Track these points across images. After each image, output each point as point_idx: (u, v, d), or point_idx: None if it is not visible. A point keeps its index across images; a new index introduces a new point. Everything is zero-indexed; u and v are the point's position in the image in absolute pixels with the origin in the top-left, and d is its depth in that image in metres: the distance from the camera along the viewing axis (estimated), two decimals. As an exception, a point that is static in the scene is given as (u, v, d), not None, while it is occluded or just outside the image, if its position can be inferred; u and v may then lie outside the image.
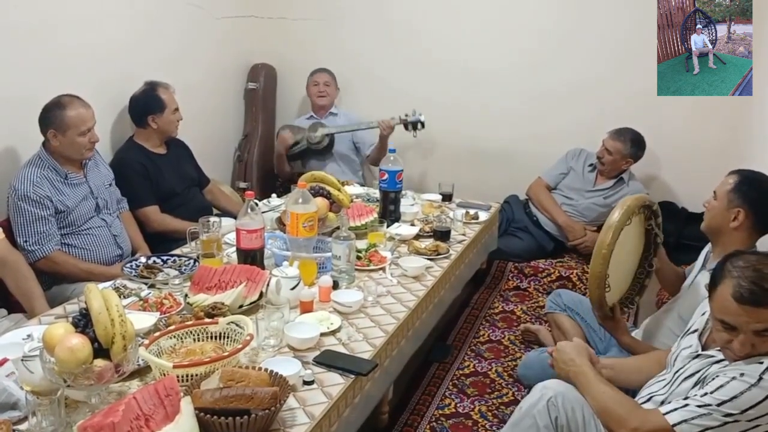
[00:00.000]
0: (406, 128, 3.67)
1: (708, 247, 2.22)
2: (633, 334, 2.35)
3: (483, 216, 3.12)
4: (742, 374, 1.50)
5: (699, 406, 1.51)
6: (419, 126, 3.63)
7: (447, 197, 3.37)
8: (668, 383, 1.71)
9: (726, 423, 1.48)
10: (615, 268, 2.11)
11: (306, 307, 2.05)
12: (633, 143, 3.44)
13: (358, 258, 2.44)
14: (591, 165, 3.62)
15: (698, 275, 2.17)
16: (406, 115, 3.63)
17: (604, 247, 2.04)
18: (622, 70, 3.65)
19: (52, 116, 2.50)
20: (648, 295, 2.54)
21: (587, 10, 3.69)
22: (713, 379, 1.54)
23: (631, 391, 1.82)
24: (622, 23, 3.61)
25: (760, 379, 1.48)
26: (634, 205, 2.10)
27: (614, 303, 2.17)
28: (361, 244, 2.56)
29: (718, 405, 1.49)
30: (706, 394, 1.52)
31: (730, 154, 3.27)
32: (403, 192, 3.05)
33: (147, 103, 3.04)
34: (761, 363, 1.50)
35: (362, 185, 3.71)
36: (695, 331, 1.75)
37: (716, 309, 1.55)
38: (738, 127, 3.42)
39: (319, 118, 3.98)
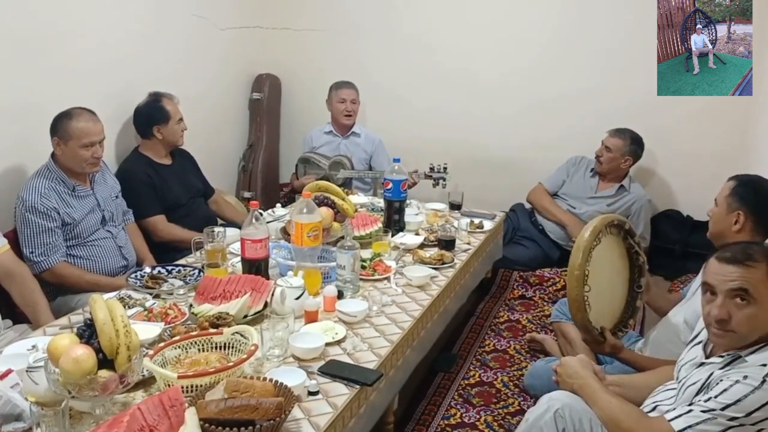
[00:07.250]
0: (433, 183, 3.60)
1: None
2: (639, 342, 2.34)
3: (488, 225, 3.11)
4: (745, 377, 1.49)
5: (703, 411, 1.51)
6: (442, 182, 3.55)
7: (456, 207, 3.32)
8: (675, 394, 1.70)
9: (730, 427, 1.48)
10: (599, 291, 2.12)
11: (311, 317, 2.04)
12: (633, 141, 3.47)
13: (363, 267, 2.44)
14: (592, 170, 3.64)
15: None
16: (431, 170, 3.55)
17: (576, 269, 2.07)
18: (624, 76, 3.66)
19: (58, 125, 2.52)
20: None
21: (587, 19, 3.70)
22: (717, 383, 1.54)
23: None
24: (622, 30, 3.62)
25: (764, 381, 1.47)
26: (600, 224, 2.13)
27: (602, 326, 2.15)
28: (366, 253, 2.56)
29: (722, 409, 1.48)
30: (710, 399, 1.52)
31: (734, 161, 3.25)
32: (408, 201, 3.05)
33: (152, 114, 3.05)
34: (765, 365, 1.50)
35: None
36: (700, 342, 1.74)
37: (703, 275, 1.65)
38: (742, 135, 3.41)
39: (340, 136, 3.89)
